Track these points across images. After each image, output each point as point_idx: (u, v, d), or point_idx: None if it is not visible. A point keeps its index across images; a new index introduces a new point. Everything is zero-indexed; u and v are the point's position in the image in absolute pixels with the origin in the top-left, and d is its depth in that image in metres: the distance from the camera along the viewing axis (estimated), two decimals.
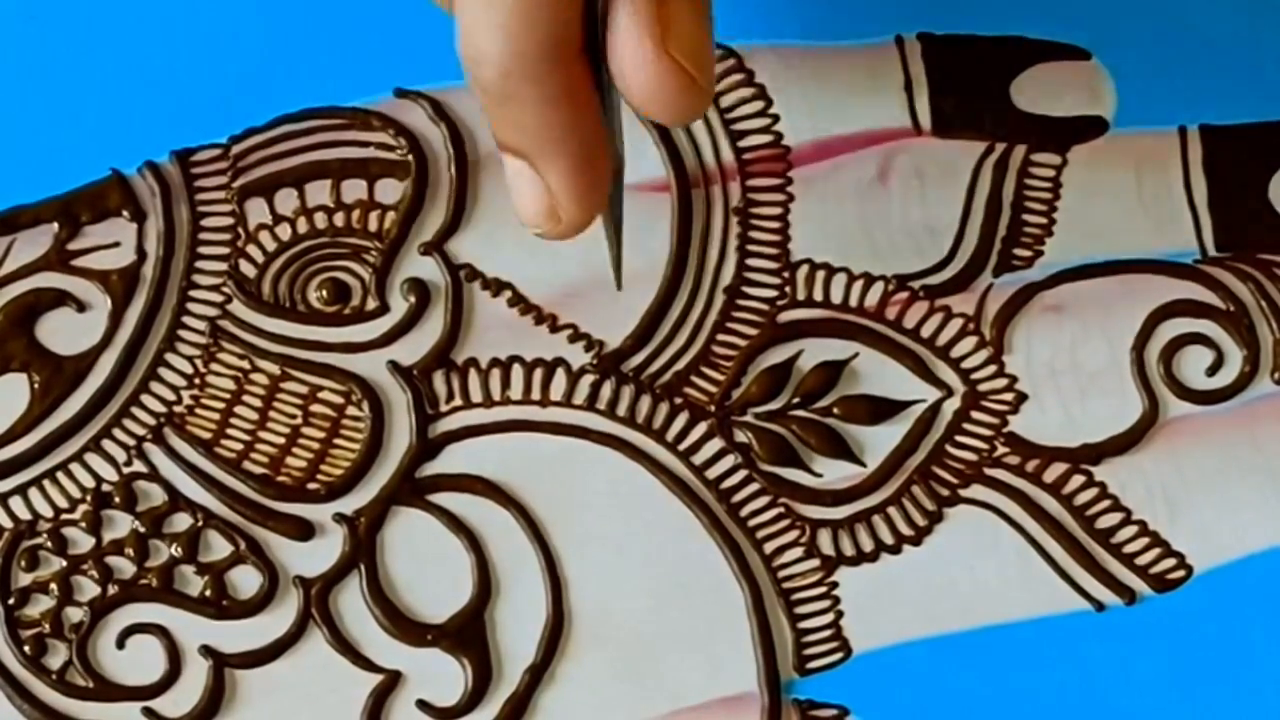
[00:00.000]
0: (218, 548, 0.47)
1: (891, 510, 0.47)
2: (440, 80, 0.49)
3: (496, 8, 0.38)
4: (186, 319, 0.48)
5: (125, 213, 0.48)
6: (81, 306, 0.48)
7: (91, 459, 0.47)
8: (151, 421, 0.47)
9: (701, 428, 0.47)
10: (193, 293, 0.48)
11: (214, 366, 0.48)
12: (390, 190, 0.49)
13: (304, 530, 0.47)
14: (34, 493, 0.47)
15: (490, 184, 0.49)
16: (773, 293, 0.48)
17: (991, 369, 0.48)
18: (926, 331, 0.48)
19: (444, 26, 0.50)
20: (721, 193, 0.49)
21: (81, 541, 0.47)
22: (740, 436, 0.47)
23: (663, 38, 0.38)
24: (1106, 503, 0.47)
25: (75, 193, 0.48)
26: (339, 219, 0.48)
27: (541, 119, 0.40)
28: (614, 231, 0.44)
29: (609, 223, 0.44)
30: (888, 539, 0.47)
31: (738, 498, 0.47)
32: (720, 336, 0.48)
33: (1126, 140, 0.49)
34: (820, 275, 0.48)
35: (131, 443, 0.47)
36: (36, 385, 0.47)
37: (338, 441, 0.47)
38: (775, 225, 0.49)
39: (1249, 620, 0.46)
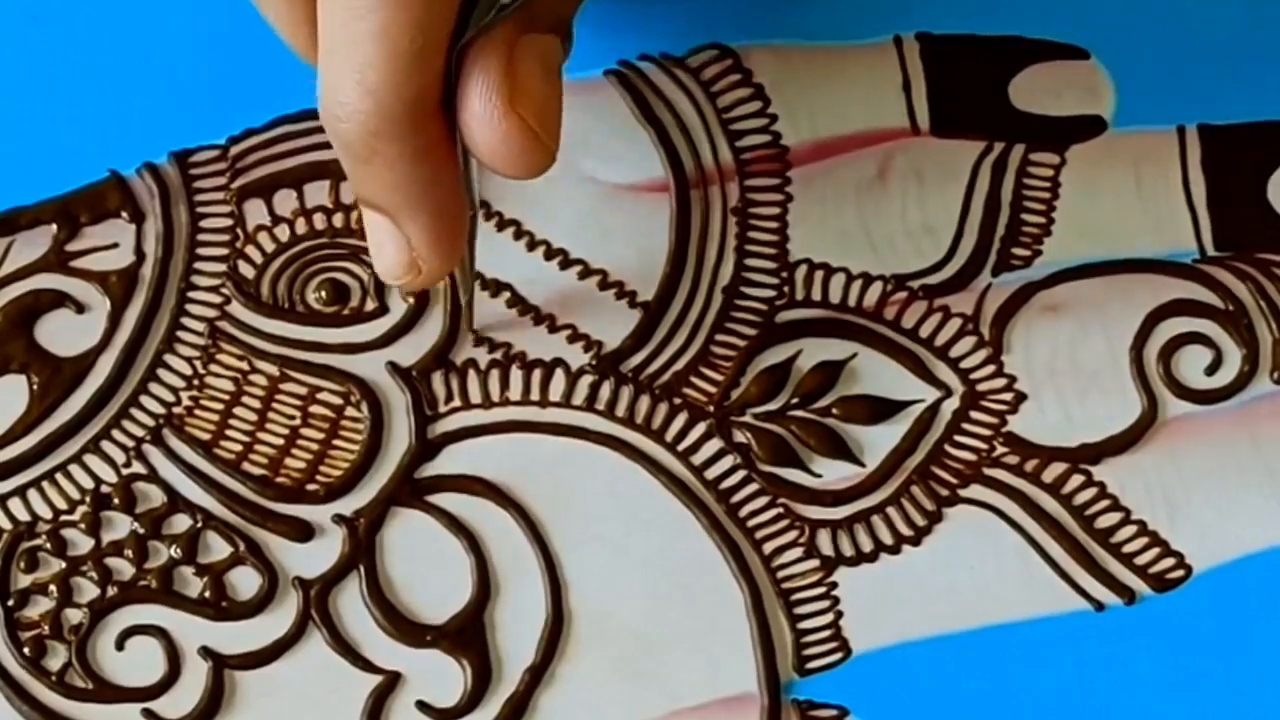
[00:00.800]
0: (217, 549, 0.47)
1: (891, 510, 0.47)
2: None
3: (363, 67, 0.39)
4: (185, 320, 0.48)
5: (124, 214, 0.48)
6: (80, 308, 0.48)
7: (90, 460, 0.47)
8: (150, 423, 0.47)
9: (700, 428, 0.47)
10: (191, 294, 0.48)
11: (213, 367, 0.48)
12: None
13: (303, 531, 0.47)
14: (33, 494, 0.47)
15: (487, 184, 0.49)
16: (771, 293, 0.48)
17: (990, 369, 0.48)
18: (925, 331, 0.48)
19: None
20: (720, 193, 0.49)
21: (81, 543, 0.46)
22: (739, 437, 0.47)
23: (510, 97, 0.39)
24: (1106, 502, 0.47)
25: (74, 194, 0.48)
26: (338, 220, 0.48)
27: (404, 176, 0.40)
28: (466, 278, 0.46)
29: (462, 270, 0.45)
30: (887, 539, 0.47)
31: (737, 498, 0.47)
32: (719, 336, 0.48)
33: (1125, 140, 0.49)
34: (819, 275, 0.48)
35: (130, 444, 0.47)
36: (35, 386, 0.47)
37: (337, 442, 0.47)
38: (774, 225, 0.49)
39: (1248, 620, 0.46)
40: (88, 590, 0.46)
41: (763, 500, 0.47)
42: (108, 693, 0.46)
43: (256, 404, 0.47)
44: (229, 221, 0.48)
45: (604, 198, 0.49)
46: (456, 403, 0.47)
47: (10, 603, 0.46)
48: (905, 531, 0.47)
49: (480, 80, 0.39)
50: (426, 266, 0.42)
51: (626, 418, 0.47)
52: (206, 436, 0.47)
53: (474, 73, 0.39)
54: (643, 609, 0.46)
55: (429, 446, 0.47)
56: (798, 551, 0.47)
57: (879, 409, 0.48)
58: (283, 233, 0.48)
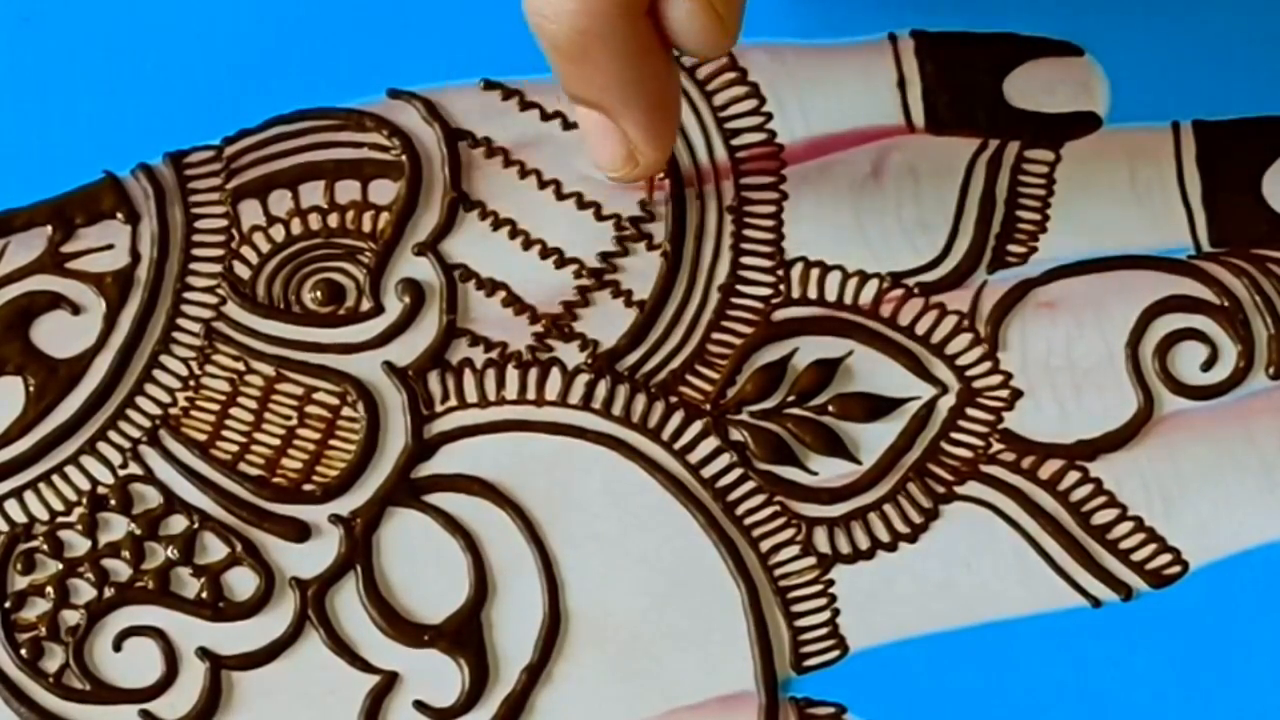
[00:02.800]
0: (214, 549, 0.47)
1: (887, 508, 0.47)
2: (433, 81, 0.49)
3: None
4: (181, 321, 0.48)
5: (119, 215, 0.48)
6: (76, 309, 0.48)
7: (87, 462, 0.47)
8: (147, 424, 0.47)
9: (697, 426, 0.47)
10: (187, 295, 0.48)
11: (209, 368, 0.48)
12: (384, 191, 0.49)
13: (300, 531, 0.47)
14: (30, 496, 0.47)
15: (484, 184, 0.49)
16: (767, 291, 0.48)
17: (986, 366, 0.48)
18: (921, 329, 0.48)
19: (438, 27, 0.50)
20: (715, 191, 0.49)
21: (77, 544, 0.46)
22: (736, 435, 0.47)
23: None
24: (1102, 499, 0.47)
25: (69, 195, 0.48)
26: (333, 220, 0.48)
27: (618, 73, 0.42)
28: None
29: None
30: (884, 536, 0.47)
31: (733, 496, 0.47)
32: (715, 335, 0.48)
33: (1120, 136, 0.49)
34: (815, 273, 0.48)
35: (127, 445, 0.47)
36: (31, 388, 0.47)
37: (333, 442, 0.47)
38: (769, 223, 0.49)
39: (1245, 615, 0.46)
40: (85, 591, 0.46)
41: (759, 498, 0.47)
42: (105, 694, 0.46)
43: (253, 404, 0.47)
44: (224, 222, 0.48)
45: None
46: (453, 402, 0.47)
47: (7, 604, 0.46)
48: (902, 529, 0.47)
49: None
50: (644, 159, 0.44)
51: (623, 416, 0.47)
52: (203, 437, 0.47)
53: None
54: (640, 608, 0.46)
55: (425, 446, 0.47)
56: (795, 549, 0.47)
57: (875, 406, 0.48)
58: (278, 233, 0.48)
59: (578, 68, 0.42)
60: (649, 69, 0.43)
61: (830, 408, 0.48)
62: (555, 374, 0.48)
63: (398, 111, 0.49)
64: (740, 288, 0.48)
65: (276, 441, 0.47)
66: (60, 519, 0.47)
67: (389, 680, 0.46)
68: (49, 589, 0.46)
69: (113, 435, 0.47)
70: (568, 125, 0.49)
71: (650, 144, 0.44)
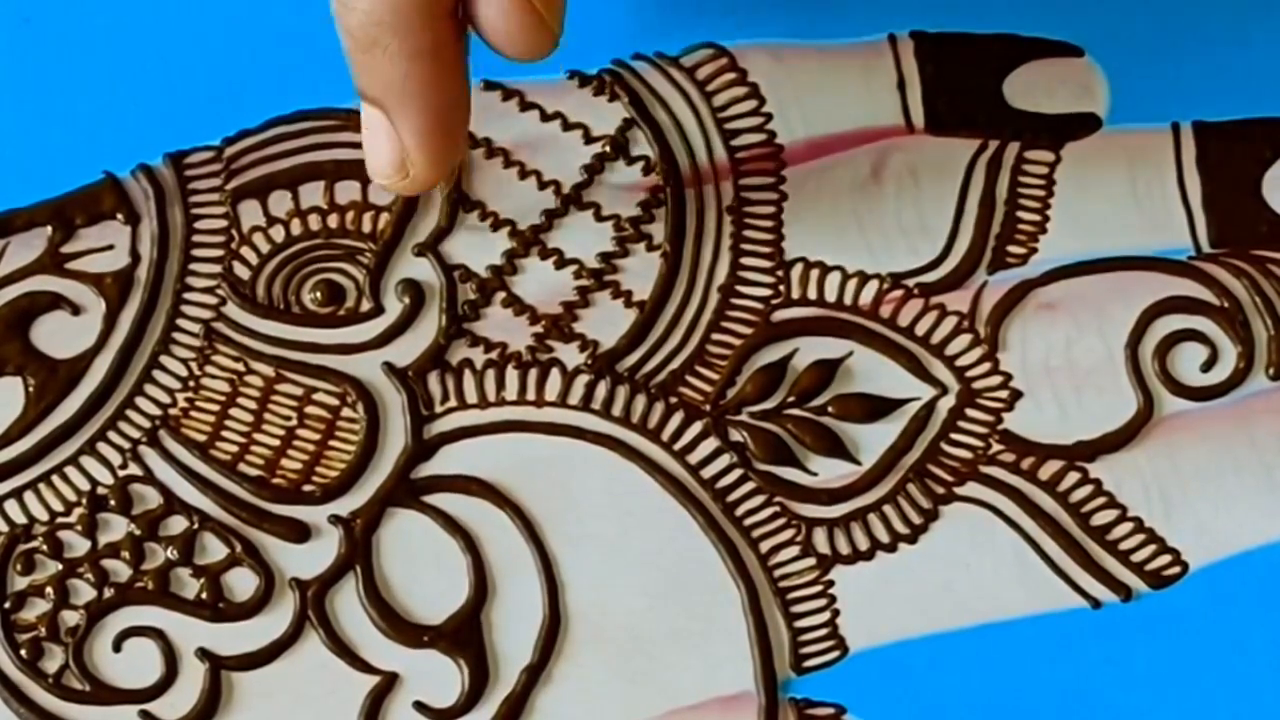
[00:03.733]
0: (213, 550, 0.47)
1: (887, 508, 0.47)
2: None
3: None
4: (181, 321, 0.48)
5: (119, 215, 0.48)
6: (76, 309, 0.48)
7: (87, 462, 0.47)
8: (146, 424, 0.47)
9: (697, 427, 0.47)
10: (187, 295, 0.48)
11: (209, 369, 0.48)
12: (384, 191, 0.49)
13: (300, 532, 0.47)
14: (29, 496, 0.47)
15: (484, 184, 0.49)
16: (767, 291, 0.48)
17: (986, 366, 0.48)
18: (921, 329, 0.48)
19: None
20: (715, 192, 0.49)
21: (77, 545, 0.46)
22: (735, 435, 0.47)
23: None
24: (1102, 500, 0.47)
25: (69, 196, 0.48)
26: (333, 220, 0.48)
27: (405, 72, 0.40)
28: (448, 188, 0.46)
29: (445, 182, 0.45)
30: (883, 537, 0.47)
31: (733, 497, 0.47)
32: (715, 336, 0.48)
33: (1120, 137, 0.49)
34: (814, 274, 0.48)
35: (126, 446, 0.47)
36: (31, 389, 0.47)
37: (333, 443, 0.47)
38: (769, 224, 0.49)
39: (1245, 616, 0.46)
40: (84, 592, 0.46)
41: (759, 499, 0.47)
42: (105, 694, 0.46)
43: (252, 405, 0.47)
44: (224, 223, 0.48)
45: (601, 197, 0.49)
46: (452, 403, 0.47)
47: (7, 605, 0.46)
48: (902, 529, 0.47)
49: None
50: (414, 169, 0.42)
51: (623, 417, 0.47)
52: (202, 438, 0.47)
53: None
54: (639, 608, 0.46)
55: (425, 447, 0.47)
56: (794, 550, 0.47)
57: (875, 407, 0.48)
58: (278, 234, 0.48)
59: (366, 58, 0.40)
60: (437, 74, 0.41)
61: (830, 408, 0.48)
62: (555, 375, 0.48)
63: None
64: (740, 288, 0.48)
65: (276, 442, 0.47)
66: (60, 519, 0.47)
67: (389, 681, 0.46)
68: (49, 589, 0.46)
69: (112, 436, 0.47)
70: (568, 126, 0.49)
71: (422, 154, 0.42)
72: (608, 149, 0.49)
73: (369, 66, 0.41)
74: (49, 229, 0.48)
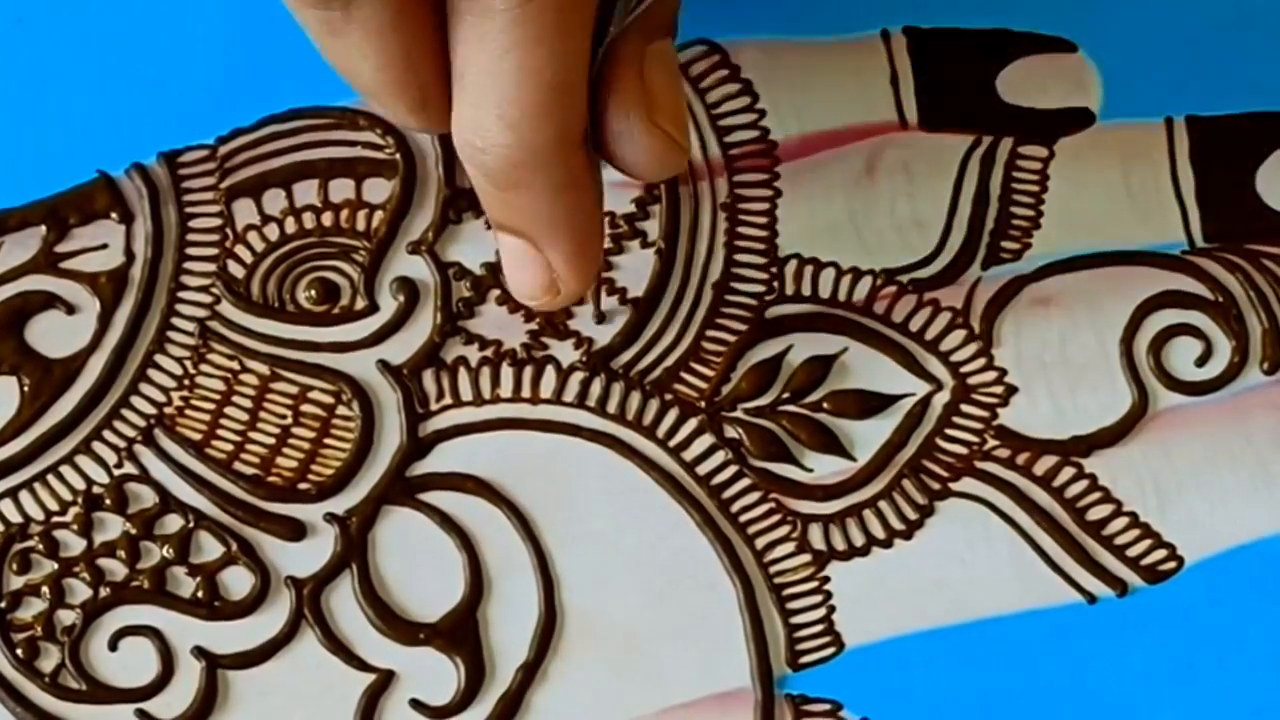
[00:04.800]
0: (209, 549, 0.47)
1: (882, 504, 0.47)
2: None
3: (503, 103, 0.39)
4: (175, 320, 0.48)
5: (113, 215, 0.48)
6: (70, 309, 0.48)
7: (82, 461, 0.47)
8: (141, 423, 0.47)
9: (692, 424, 0.47)
10: (181, 294, 0.48)
11: (203, 367, 0.48)
12: (378, 189, 0.49)
13: (295, 530, 0.47)
14: (25, 496, 0.47)
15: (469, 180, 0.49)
16: (761, 288, 0.48)
17: (981, 362, 0.48)
18: (915, 325, 0.48)
19: None
20: (709, 189, 0.49)
21: (73, 544, 0.46)
22: (730, 432, 0.47)
23: (649, 111, 0.41)
24: (1097, 495, 0.47)
25: (62, 195, 0.48)
26: (327, 219, 0.48)
27: (549, 206, 0.41)
28: (596, 286, 0.46)
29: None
30: (879, 533, 0.47)
31: (729, 493, 0.47)
32: (709, 332, 0.48)
33: (1113, 132, 0.49)
34: (808, 270, 0.48)
35: (122, 445, 0.47)
36: (26, 388, 0.47)
37: (328, 441, 0.47)
38: (763, 220, 0.49)
39: (1240, 611, 0.46)
40: (80, 591, 0.46)
41: (754, 495, 0.47)
42: (101, 693, 0.46)
43: (247, 403, 0.47)
44: (218, 221, 0.48)
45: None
46: (447, 400, 0.47)
47: (3, 604, 0.46)
48: (897, 525, 0.47)
49: (618, 100, 0.41)
50: (566, 288, 0.43)
51: (618, 414, 0.47)
52: (198, 436, 0.47)
53: (611, 94, 0.41)
54: (635, 605, 0.46)
55: (420, 445, 0.47)
56: (790, 546, 0.47)
57: (870, 403, 0.48)
58: (272, 232, 0.48)
59: (508, 197, 0.41)
60: (580, 202, 0.41)
61: (825, 405, 0.48)
62: (550, 372, 0.48)
63: None
64: (734, 285, 0.48)
65: (271, 440, 0.47)
66: (56, 519, 0.47)
67: (385, 679, 0.46)
68: (45, 589, 0.46)
69: (108, 435, 0.47)
70: None
71: (574, 275, 0.42)
72: None
73: (511, 203, 0.41)
74: (43, 228, 0.48)
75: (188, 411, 0.47)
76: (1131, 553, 0.47)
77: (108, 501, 0.47)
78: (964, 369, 0.48)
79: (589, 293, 0.46)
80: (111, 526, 0.47)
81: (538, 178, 0.40)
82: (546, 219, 0.41)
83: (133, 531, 0.46)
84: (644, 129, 0.41)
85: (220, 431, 0.47)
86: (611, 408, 0.47)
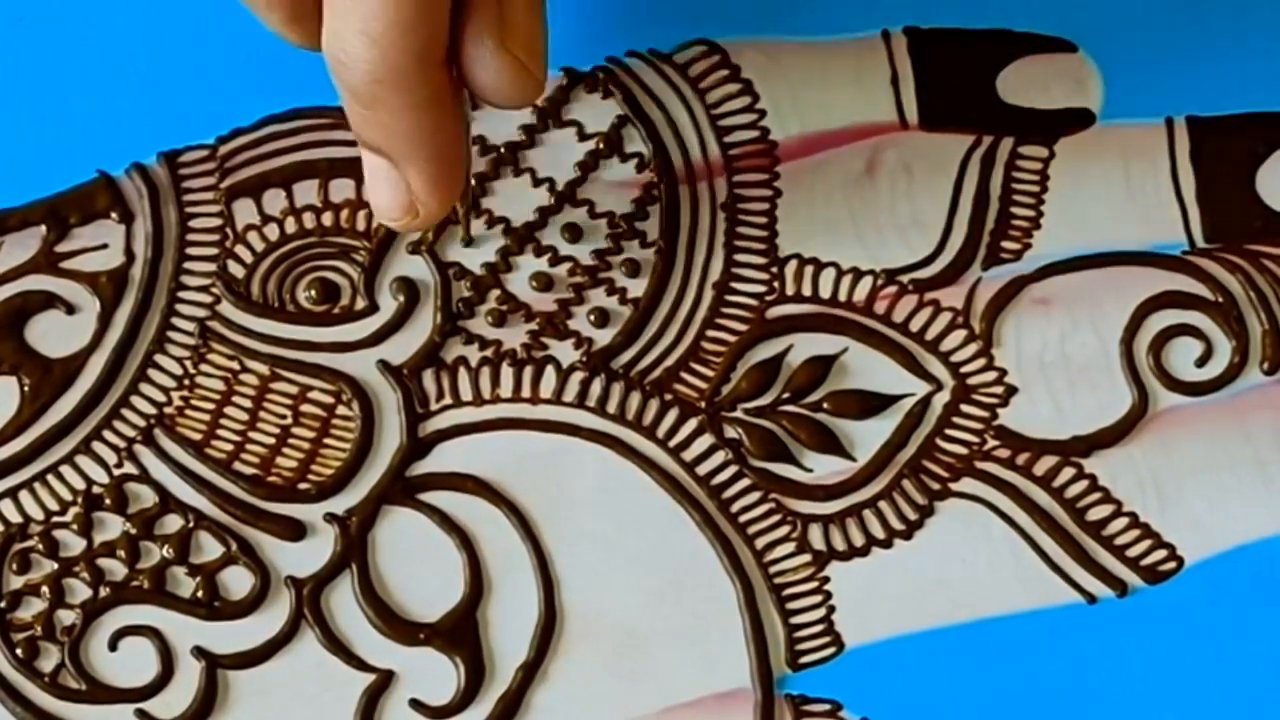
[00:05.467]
0: (209, 549, 0.47)
1: (882, 504, 0.47)
2: None
3: (370, 16, 0.40)
4: (175, 320, 0.48)
5: (113, 214, 0.48)
6: (70, 309, 0.48)
7: (82, 461, 0.47)
8: (141, 423, 0.47)
9: (692, 424, 0.47)
10: (181, 294, 0.48)
11: (203, 367, 0.48)
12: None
13: (295, 530, 0.47)
14: (25, 495, 0.47)
15: (478, 182, 0.49)
16: (761, 288, 0.48)
17: (981, 362, 0.48)
18: (916, 325, 0.48)
19: None
20: (709, 189, 0.49)
21: (73, 544, 0.46)
22: (730, 432, 0.47)
23: (502, 37, 0.42)
24: (1097, 495, 0.47)
25: (63, 195, 0.48)
26: (327, 218, 0.48)
27: (407, 123, 0.42)
28: (465, 201, 0.47)
29: (462, 200, 0.46)
30: (879, 533, 0.47)
31: (729, 493, 0.47)
32: (709, 332, 0.48)
33: (1113, 132, 0.49)
34: (809, 270, 0.48)
35: (122, 445, 0.47)
36: (26, 388, 0.47)
37: (328, 441, 0.47)
38: (763, 220, 0.49)
39: (1240, 611, 0.46)
40: (80, 591, 0.46)
41: (754, 495, 0.47)
42: (101, 693, 0.46)
43: (247, 403, 0.47)
44: (218, 221, 0.48)
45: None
46: (447, 400, 0.47)
47: (2, 604, 0.46)
48: (897, 525, 0.47)
49: (474, 24, 0.41)
50: (425, 209, 0.43)
51: (618, 414, 0.47)
52: (198, 436, 0.47)
53: (468, 18, 0.41)
54: (635, 605, 0.46)
55: (420, 444, 0.47)
56: (790, 546, 0.47)
57: (870, 403, 0.48)
58: (272, 232, 0.48)
59: (369, 113, 0.42)
60: (437, 121, 0.42)
61: (825, 405, 0.48)
62: (550, 372, 0.48)
63: None
64: (734, 285, 0.48)
65: (271, 440, 0.47)
66: (55, 519, 0.47)
67: (385, 679, 0.46)
68: (44, 589, 0.46)
69: (108, 435, 0.47)
70: (561, 123, 0.49)
71: (432, 195, 0.43)
72: (602, 146, 0.49)
73: (372, 119, 0.42)
74: (43, 228, 0.48)
75: (188, 411, 0.47)
76: (1131, 553, 0.47)
77: (108, 501, 0.47)
78: (964, 369, 0.48)
79: (459, 214, 0.47)
80: (111, 526, 0.47)
81: (398, 95, 0.41)
82: (405, 137, 0.42)
83: (133, 531, 0.46)
84: (495, 53, 0.42)
85: (220, 431, 0.47)
86: (611, 408, 0.47)
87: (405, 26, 0.40)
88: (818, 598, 0.46)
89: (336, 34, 0.41)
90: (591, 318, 0.48)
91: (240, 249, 0.48)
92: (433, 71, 0.41)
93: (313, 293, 0.48)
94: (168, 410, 0.47)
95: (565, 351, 0.48)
